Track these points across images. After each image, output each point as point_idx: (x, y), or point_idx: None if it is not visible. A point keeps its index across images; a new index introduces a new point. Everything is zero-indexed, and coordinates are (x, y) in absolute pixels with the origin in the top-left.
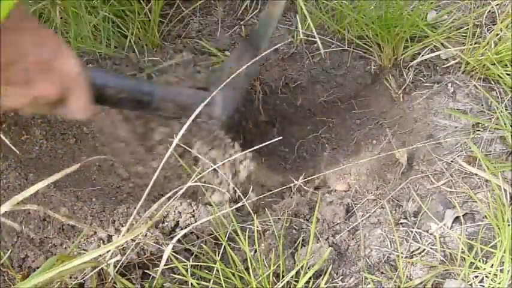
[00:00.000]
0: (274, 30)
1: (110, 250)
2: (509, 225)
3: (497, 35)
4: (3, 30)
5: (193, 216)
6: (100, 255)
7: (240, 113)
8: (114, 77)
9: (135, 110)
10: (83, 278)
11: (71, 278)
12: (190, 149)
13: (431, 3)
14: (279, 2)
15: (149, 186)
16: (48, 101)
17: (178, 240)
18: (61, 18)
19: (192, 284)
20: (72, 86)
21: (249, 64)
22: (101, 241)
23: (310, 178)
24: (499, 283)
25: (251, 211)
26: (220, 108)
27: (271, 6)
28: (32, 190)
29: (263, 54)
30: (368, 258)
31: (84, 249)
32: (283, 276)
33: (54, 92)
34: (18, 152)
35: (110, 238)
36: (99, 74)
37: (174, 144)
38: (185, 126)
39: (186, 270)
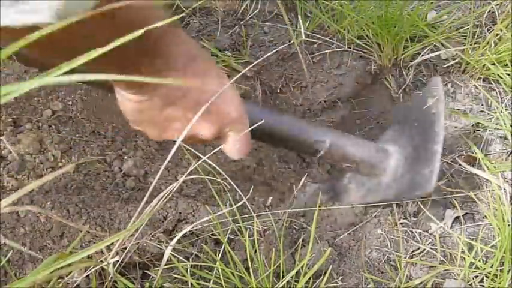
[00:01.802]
0: (275, 32)
1: (110, 250)
2: (509, 225)
3: (497, 35)
4: (170, 71)
5: (194, 215)
6: (100, 255)
7: None
8: (278, 117)
9: (296, 152)
10: (82, 278)
11: (71, 277)
12: None
13: (431, 3)
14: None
15: (151, 187)
16: (203, 140)
17: (178, 240)
18: None
19: (192, 284)
20: (231, 127)
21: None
22: (100, 240)
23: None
24: (499, 283)
25: (251, 211)
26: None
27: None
28: (28, 188)
29: None
30: (368, 258)
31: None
32: (283, 276)
33: (212, 133)
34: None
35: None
36: (262, 111)
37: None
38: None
39: (186, 270)
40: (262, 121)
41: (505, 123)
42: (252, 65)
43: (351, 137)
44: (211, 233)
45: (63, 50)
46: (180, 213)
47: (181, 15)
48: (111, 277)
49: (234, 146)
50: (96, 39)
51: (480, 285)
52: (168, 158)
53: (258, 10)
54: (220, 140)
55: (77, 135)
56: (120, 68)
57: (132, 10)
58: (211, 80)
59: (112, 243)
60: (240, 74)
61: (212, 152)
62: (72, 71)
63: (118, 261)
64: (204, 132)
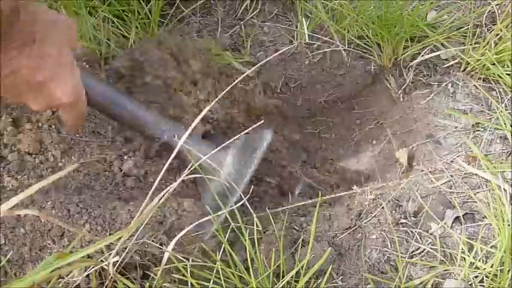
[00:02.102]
0: (275, 32)
1: (111, 250)
2: (509, 225)
3: (497, 35)
4: (5, 48)
5: (194, 215)
6: (100, 255)
7: None
8: (116, 94)
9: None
10: (82, 277)
11: (71, 277)
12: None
13: (431, 3)
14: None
15: (153, 187)
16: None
17: (178, 240)
18: None
19: (192, 284)
20: (62, 108)
21: None
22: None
23: (309, 178)
24: (499, 283)
25: (251, 210)
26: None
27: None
28: (29, 192)
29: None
30: (368, 258)
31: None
32: (283, 276)
33: (40, 109)
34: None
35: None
36: (90, 81)
37: (178, 146)
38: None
39: (186, 270)
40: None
41: (505, 123)
42: (257, 66)
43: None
44: (211, 233)
45: None
46: (180, 213)
47: (181, 15)
48: (111, 277)
49: (66, 123)
50: None
51: (480, 285)
52: (170, 158)
53: (258, 10)
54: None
55: (77, 135)
56: None
57: None
58: (49, 61)
59: (111, 243)
60: (245, 74)
61: (212, 152)
62: None
63: (118, 261)
64: (33, 107)
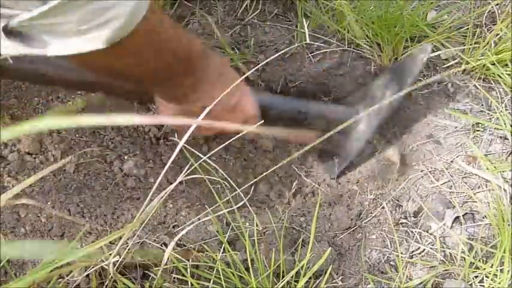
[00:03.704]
0: (275, 32)
1: (111, 250)
2: (509, 225)
3: (497, 35)
4: (202, 85)
5: (194, 215)
6: (101, 254)
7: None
8: (275, 99)
9: (290, 126)
10: (82, 277)
11: (71, 277)
12: None
13: (431, 3)
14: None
15: (155, 186)
16: (229, 133)
17: (179, 240)
18: None
19: (192, 284)
20: (249, 122)
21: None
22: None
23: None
24: (499, 283)
25: (251, 210)
26: (364, 125)
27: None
28: (28, 182)
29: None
30: (368, 258)
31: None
32: (283, 276)
33: (235, 129)
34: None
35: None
36: (265, 98)
37: (179, 146)
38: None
39: (186, 270)
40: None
41: (505, 123)
42: (259, 65)
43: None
44: (212, 233)
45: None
46: (180, 213)
47: (181, 15)
48: (111, 277)
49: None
50: (144, 58)
51: (480, 285)
52: (171, 159)
53: (258, 10)
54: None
55: (77, 135)
56: (164, 82)
57: (172, 31)
58: (235, 88)
59: (112, 243)
60: (246, 75)
61: (212, 152)
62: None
63: (118, 261)
64: (228, 130)
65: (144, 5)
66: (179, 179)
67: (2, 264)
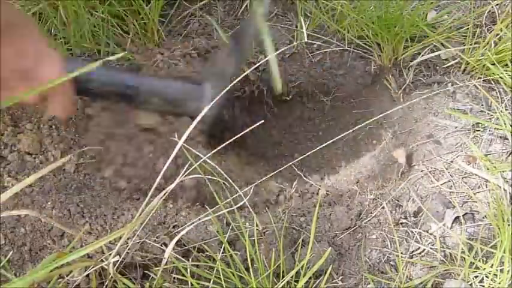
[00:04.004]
0: (275, 32)
1: (111, 250)
2: (509, 225)
3: (497, 35)
4: None
5: (194, 215)
6: (100, 255)
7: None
8: (97, 69)
9: (120, 103)
10: (82, 277)
11: (71, 277)
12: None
13: (431, 3)
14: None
15: (154, 186)
16: (28, 104)
17: (179, 240)
18: (54, 18)
19: (192, 283)
20: (52, 91)
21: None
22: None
23: (309, 178)
24: (499, 283)
25: (251, 211)
26: (209, 102)
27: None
28: (27, 182)
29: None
30: (368, 258)
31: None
32: (283, 276)
33: (33, 99)
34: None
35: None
36: (81, 67)
37: (179, 145)
38: (192, 125)
39: (186, 270)
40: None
41: (505, 123)
42: (259, 65)
43: (163, 80)
44: (212, 233)
45: None
46: (180, 213)
47: (181, 15)
48: (111, 277)
49: (56, 107)
50: None
51: (480, 285)
52: (171, 158)
53: None
54: (43, 103)
55: (77, 135)
56: None
57: None
58: (31, 47)
59: (112, 243)
60: (245, 73)
61: (212, 152)
62: None
63: (118, 261)
64: (25, 97)
65: None
66: (178, 180)
67: (2, 264)
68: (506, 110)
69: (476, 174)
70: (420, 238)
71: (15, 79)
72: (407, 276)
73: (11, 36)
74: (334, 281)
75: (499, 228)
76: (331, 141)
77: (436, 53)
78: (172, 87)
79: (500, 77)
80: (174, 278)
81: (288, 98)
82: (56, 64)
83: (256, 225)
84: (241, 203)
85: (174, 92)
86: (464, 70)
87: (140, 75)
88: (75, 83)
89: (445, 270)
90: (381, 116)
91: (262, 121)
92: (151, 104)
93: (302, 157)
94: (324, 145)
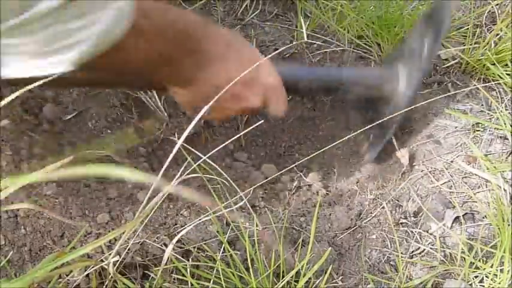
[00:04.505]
0: (275, 32)
1: (111, 250)
2: (509, 225)
3: (497, 35)
4: (209, 62)
5: (194, 215)
6: (100, 255)
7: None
8: (303, 70)
9: (326, 96)
10: (82, 277)
11: (71, 276)
12: None
13: (431, 3)
14: None
15: (153, 186)
16: (253, 110)
17: (179, 240)
18: None
19: (192, 283)
20: (272, 94)
21: (430, 44)
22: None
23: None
24: (499, 283)
25: (252, 211)
26: (404, 86)
27: None
28: (27, 179)
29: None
30: (368, 258)
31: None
32: (283, 276)
33: (260, 102)
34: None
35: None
36: (290, 69)
37: (178, 145)
38: (191, 125)
39: (186, 270)
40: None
41: (505, 123)
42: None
43: (361, 69)
44: (212, 233)
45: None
46: (181, 213)
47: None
48: (111, 277)
49: (276, 107)
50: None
51: (480, 285)
52: (170, 158)
53: (258, 10)
54: (265, 107)
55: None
56: (168, 67)
57: (163, 12)
58: (248, 59)
59: (112, 243)
60: (245, 73)
61: (212, 152)
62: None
63: (118, 260)
64: (254, 104)
65: (118, 23)
66: (178, 180)
67: (2, 264)
68: (506, 110)
69: (476, 174)
70: (420, 238)
71: (242, 88)
72: (407, 276)
73: (233, 53)
74: (334, 281)
75: (499, 228)
76: (333, 144)
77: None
78: (371, 73)
79: (500, 77)
80: (174, 278)
81: (287, 98)
82: (271, 70)
83: (256, 225)
84: (241, 203)
85: (373, 78)
86: (464, 70)
87: (342, 69)
88: (285, 84)
89: (445, 270)
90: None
91: (262, 121)
92: (353, 93)
93: (303, 158)
94: (325, 148)
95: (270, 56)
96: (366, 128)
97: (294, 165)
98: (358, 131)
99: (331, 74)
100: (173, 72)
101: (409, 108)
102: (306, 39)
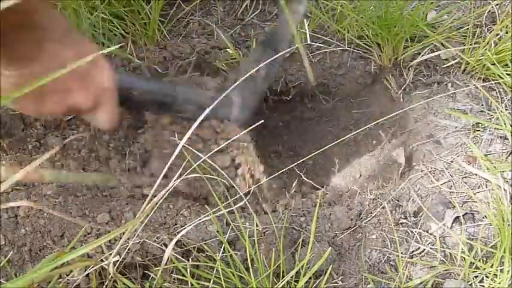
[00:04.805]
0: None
1: (111, 250)
2: (509, 225)
3: (497, 35)
4: (49, 42)
5: (194, 215)
6: (100, 255)
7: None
8: (139, 80)
9: (159, 112)
10: (82, 277)
11: (71, 276)
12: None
13: (431, 3)
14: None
15: (155, 186)
16: (80, 110)
17: (179, 240)
18: None
19: (192, 283)
20: (103, 97)
21: (266, 65)
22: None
23: (309, 178)
24: (499, 283)
25: (252, 211)
26: (238, 110)
27: (290, 5)
28: (23, 171)
29: (281, 54)
30: (368, 258)
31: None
32: (283, 276)
33: (90, 101)
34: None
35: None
36: (125, 77)
37: (180, 146)
38: (193, 127)
39: (186, 270)
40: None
41: (505, 123)
42: (259, 66)
43: (196, 89)
44: (212, 233)
45: None
46: (180, 213)
47: (181, 15)
48: (111, 277)
49: (105, 115)
50: None
51: (480, 285)
52: (172, 158)
53: (258, 10)
54: (93, 111)
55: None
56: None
57: None
58: (86, 51)
59: (112, 243)
60: (247, 74)
61: (212, 152)
62: None
63: (118, 260)
64: (82, 101)
65: None
66: (178, 180)
67: (2, 264)
68: (506, 110)
69: (476, 174)
70: (420, 238)
71: (73, 81)
72: (407, 276)
73: (72, 39)
74: (334, 281)
75: (499, 228)
76: (333, 144)
77: (436, 53)
78: (205, 95)
79: (500, 77)
80: (174, 278)
81: (288, 98)
82: (108, 71)
83: (256, 225)
84: (241, 203)
85: (206, 100)
86: (464, 70)
87: (174, 84)
88: (119, 91)
89: (445, 270)
90: (381, 117)
91: (262, 121)
92: (186, 112)
93: (303, 158)
94: (325, 148)
95: (274, 57)
96: (366, 127)
97: (293, 165)
98: (358, 131)
99: (165, 89)
100: (7, 45)
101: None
102: (308, 40)
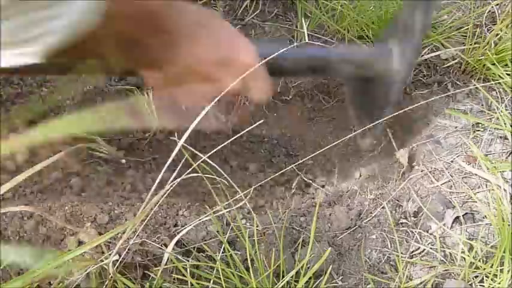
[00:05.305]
0: (275, 32)
1: (111, 249)
2: (509, 225)
3: (497, 35)
4: (179, 41)
5: (194, 215)
6: (100, 255)
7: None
8: (287, 49)
9: (313, 77)
10: (82, 277)
11: (72, 276)
12: None
13: None
14: None
15: (154, 185)
16: (233, 93)
17: (179, 240)
18: None
19: (192, 283)
20: (252, 76)
21: (421, 17)
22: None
23: (309, 178)
24: (499, 283)
25: (252, 211)
26: (398, 61)
27: None
28: (19, 178)
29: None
30: (368, 258)
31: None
32: (283, 276)
33: (238, 85)
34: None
35: (112, 239)
36: (273, 49)
37: (179, 146)
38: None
39: (186, 270)
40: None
41: (505, 123)
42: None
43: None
44: (212, 233)
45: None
46: (180, 213)
47: None
48: (111, 277)
49: (259, 90)
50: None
51: (480, 285)
52: (172, 156)
53: (258, 10)
54: (245, 91)
55: None
56: (133, 49)
57: None
58: (224, 38)
59: (112, 243)
60: (247, 73)
61: (212, 152)
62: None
63: (118, 260)
64: (231, 87)
65: (90, 13)
66: (179, 179)
67: (1, 265)
68: (506, 110)
69: (476, 174)
70: (420, 238)
71: (216, 69)
72: (407, 276)
73: (207, 29)
74: (334, 281)
75: (499, 228)
76: (333, 144)
77: (436, 53)
78: (361, 51)
79: (501, 77)
80: (174, 278)
81: (288, 98)
82: (250, 50)
83: (256, 225)
84: (241, 203)
85: (363, 56)
86: (464, 70)
87: (328, 47)
88: (268, 65)
89: (445, 270)
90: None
91: (262, 121)
92: (343, 72)
93: (303, 158)
94: (325, 148)
95: (272, 56)
96: (366, 127)
97: (293, 165)
98: (358, 131)
99: (317, 52)
100: (139, 54)
101: (403, 87)
102: (307, 40)
